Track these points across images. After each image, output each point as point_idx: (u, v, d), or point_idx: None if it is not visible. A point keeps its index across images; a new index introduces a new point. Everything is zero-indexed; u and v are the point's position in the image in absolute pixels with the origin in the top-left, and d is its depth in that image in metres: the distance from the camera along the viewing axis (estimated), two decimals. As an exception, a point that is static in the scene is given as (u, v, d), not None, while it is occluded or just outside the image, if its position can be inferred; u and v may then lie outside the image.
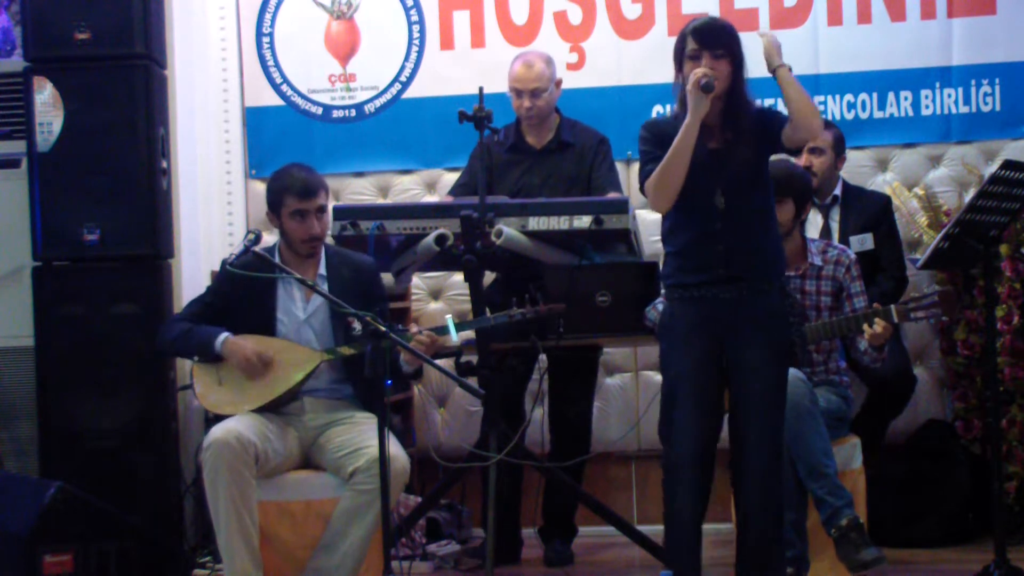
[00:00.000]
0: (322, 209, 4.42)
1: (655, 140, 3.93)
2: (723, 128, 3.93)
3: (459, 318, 4.56)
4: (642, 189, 3.98)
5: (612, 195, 5.00)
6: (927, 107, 5.58)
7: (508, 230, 4.54)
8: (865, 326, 4.35)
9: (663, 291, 4.08)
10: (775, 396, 3.97)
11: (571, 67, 5.72)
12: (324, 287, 4.37)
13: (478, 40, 5.80)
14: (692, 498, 3.95)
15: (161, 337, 4.52)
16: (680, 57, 3.92)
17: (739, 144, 3.90)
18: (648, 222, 5.48)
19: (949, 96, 5.56)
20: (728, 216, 3.90)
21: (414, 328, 4.33)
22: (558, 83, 5.18)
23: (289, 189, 4.41)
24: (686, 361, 3.95)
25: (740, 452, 3.95)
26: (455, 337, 4.33)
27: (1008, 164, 4.22)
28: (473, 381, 4.37)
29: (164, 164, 5.01)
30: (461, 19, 5.82)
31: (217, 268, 4.75)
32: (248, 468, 4.17)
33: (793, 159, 5.10)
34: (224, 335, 4.35)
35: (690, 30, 3.91)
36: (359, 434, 4.27)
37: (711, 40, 3.88)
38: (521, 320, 4.40)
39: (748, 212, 3.92)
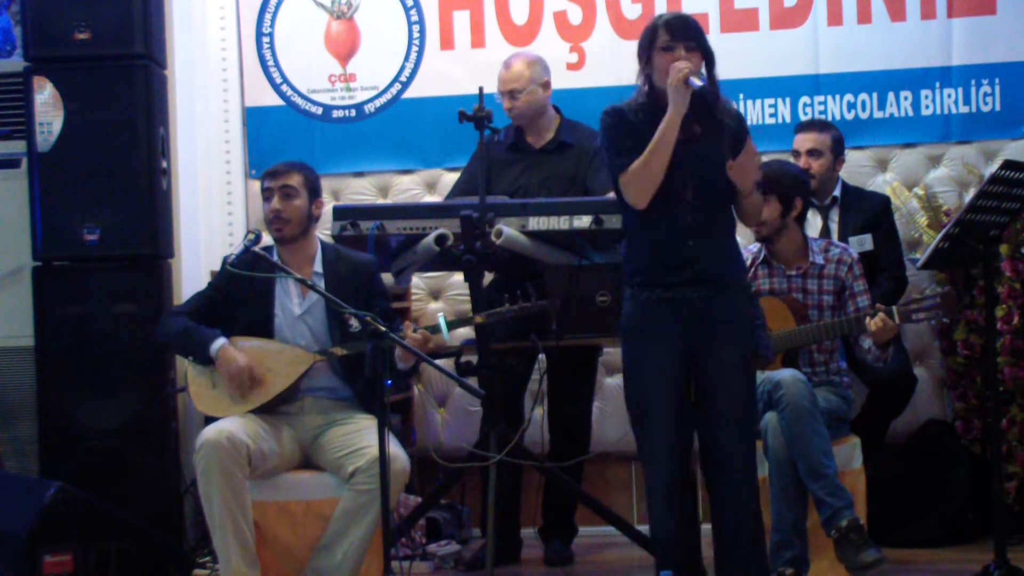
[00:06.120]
0: (289, 190, 4.44)
1: (623, 129, 3.89)
2: (691, 120, 3.86)
3: (456, 318, 4.56)
4: (616, 183, 3.92)
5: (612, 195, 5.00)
6: (927, 107, 5.58)
7: (508, 230, 4.54)
8: (868, 320, 4.34)
9: (626, 291, 3.98)
10: (748, 397, 3.94)
11: (571, 67, 5.72)
12: (320, 285, 4.37)
13: (478, 40, 5.80)
14: (679, 517, 3.91)
15: (161, 329, 4.53)
16: (649, 49, 3.89)
17: (708, 139, 3.87)
18: (648, 222, 5.47)
19: (949, 96, 5.55)
20: (696, 210, 3.87)
21: (409, 327, 4.31)
22: (545, 84, 5.13)
23: (264, 175, 4.53)
24: (657, 373, 3.88)
25: (714, 457, 3.91)
26: (447, 335, 4.33)
27: (1008, 164, 4.22)
28: (473, 381, 4.37)
29: (164, 164, 5.01)
30: (461, 19, 5.82)
31: (217, 268, 4.76)
32: (240, 468, 4.18)
33: (792, 160, 5.13)
34: (220, 341, 4.35)
35: (662, 23, 3.90)
36: (359, 434, 4.27)
37: (683, 33, 3.86)
38: (513, 316, 4.39)
39: (715, 209, 3.91)
